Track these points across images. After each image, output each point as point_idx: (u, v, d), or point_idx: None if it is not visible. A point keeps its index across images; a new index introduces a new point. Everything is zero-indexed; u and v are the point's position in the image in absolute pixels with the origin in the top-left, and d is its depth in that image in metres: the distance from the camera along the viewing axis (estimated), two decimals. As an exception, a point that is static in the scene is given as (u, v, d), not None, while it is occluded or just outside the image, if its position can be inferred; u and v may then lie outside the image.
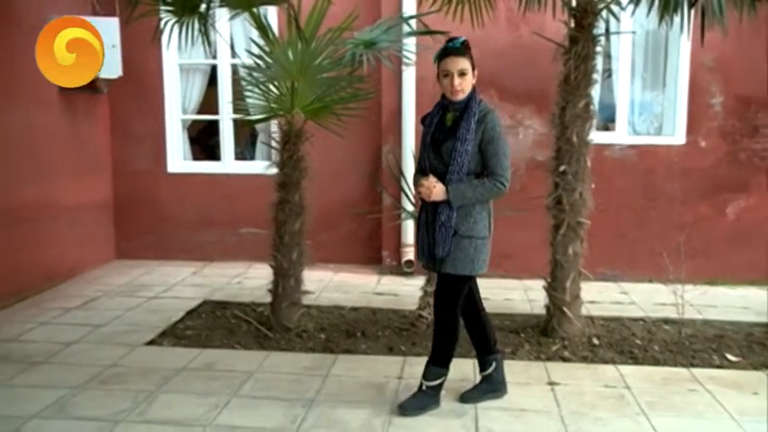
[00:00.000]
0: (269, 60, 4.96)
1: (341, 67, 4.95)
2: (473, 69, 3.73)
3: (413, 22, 5.54)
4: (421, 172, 3.84)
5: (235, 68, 7.32)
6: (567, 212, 4.99)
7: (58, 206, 6.62)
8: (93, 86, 6.99)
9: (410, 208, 5.67)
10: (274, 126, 6.20)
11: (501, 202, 5.50)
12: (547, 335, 5.09)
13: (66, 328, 5.32)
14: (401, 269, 7.05)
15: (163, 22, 5.19)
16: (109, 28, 6.63)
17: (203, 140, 8.70)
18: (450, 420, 3.79)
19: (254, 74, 5.16)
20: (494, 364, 4.07)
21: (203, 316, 5.65)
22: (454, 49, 3.70)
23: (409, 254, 7.01)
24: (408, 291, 6.31)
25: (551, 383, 4.30)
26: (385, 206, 7.01)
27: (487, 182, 3.67)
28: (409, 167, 6.47)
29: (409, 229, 6.92)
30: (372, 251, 7.33)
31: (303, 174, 5.15)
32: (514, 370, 4.48)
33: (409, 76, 6.79)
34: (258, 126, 7.27)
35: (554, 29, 5.26)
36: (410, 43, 5.71)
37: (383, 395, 4.11)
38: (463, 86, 3.68)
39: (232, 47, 7.23)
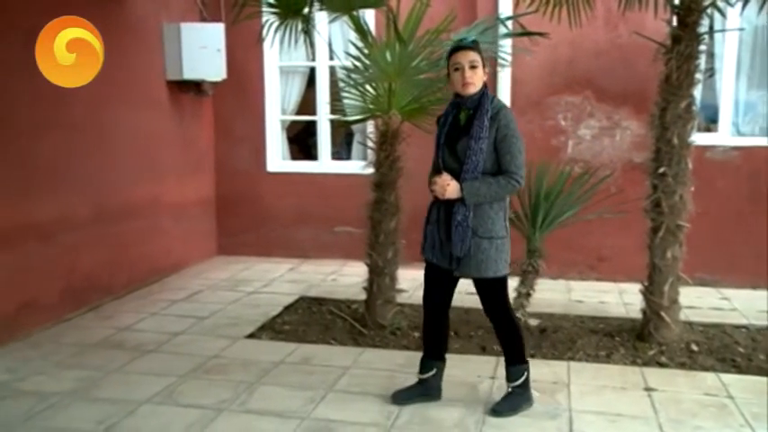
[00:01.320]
0: (367, 62, 5.01)
1: (438, 69, 4.95)
2: (484, 67, 3.67)
3: (509, 23, 5.50)
4: (436, 172, 3.78)
5: (332, 70, 7.43)
6: (666, 215, 4.83)
7: (166, 203, 6.89)
8: (199, 89, 7.25)
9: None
10: (370, 127, 6.27)
11: (597, 204, 5.46)
12: (643, 339, 4.95)
13: (172, 319, 5.54)
14: (493, 269, 6.97)
15: (267, 26, 5.32)
16: (215, 33, 6.90)
17: (301, 140, 8.86)
18: (544, 422, 3.74)
19: (353, 75, 5.22)
20: (434, 371, 4.00)
21: (300, 311, 5.76)
22: (463, 44, 3.68)
23: (502, 254, 6.93)
24: (501, 291, 6.24)
25: (648, 389, 4.17)
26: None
27: (502, 179, 3.59)
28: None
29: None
30: (465, 251, 7.27)
31: (399, 173, 5.18)
32: (609, 374, 4.40)
33: (504, 78, 6.71)
34: (354, 126, 7.35)
35: (654, 28, 5.11)
36: (506, 44, 5.67)
37: (476, 394, 4.09)
38: (474, 79, 3.61)
39: (330, 49, 7.33)
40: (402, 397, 3.98)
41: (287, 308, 5.83)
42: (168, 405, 3.91)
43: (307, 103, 7.84)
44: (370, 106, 5.22)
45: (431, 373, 4.00)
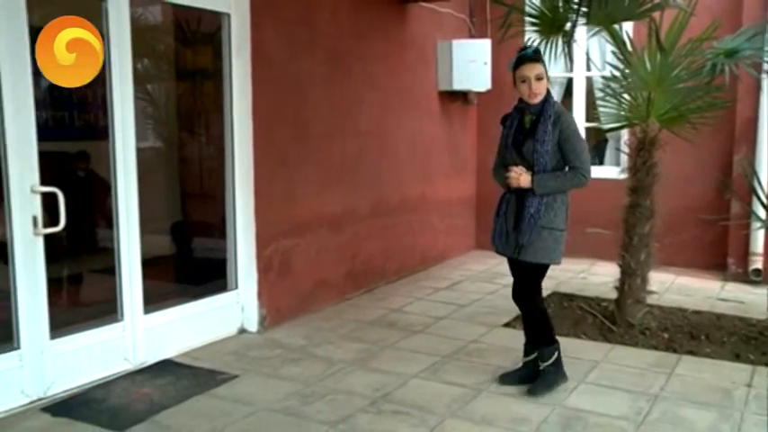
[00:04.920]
0: (627, 72, 4.80)
1: (699, 77, 4.61)
2: (546, 75, 3.73)
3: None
4: (503, 167, 3.88)
5: (588, 81, 7.20)
6: None
7: (434, 201, 7.13)
8: (466, 99, 7.43)
9: (763, 216, 5.08)
10: (624, 134, 6.01)
11: None
12: None
13: (436, 304, 5.72)
14: (748, 277, 6.35)
15: (530, 42, 5.28)
16: (482, 48, 7.02)
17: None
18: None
19: (612, 85, 5.03)
20: (536, 354, 3.95)
21: (552, 306, 5.64)
22: (529, 56, 3.73)
23: (757, 262, 6.31)
24: (755, 299, 5.70)
25: None
26: (733, 213, 6.36)
27: (569, 173, 3.71)
28: (764, 176, 5.80)
29: (759, 238, 6.25)
30: (716, 257, 6.70)
31: (655, 179, 4.90)
32: None
33: (768, 84, 6.06)
34: (609, 134, 7.06)
35: None
36: (773, 50, 5.11)
37: (730, 400, 3.76)
38: (540, 89, 3.70)
39: (588, 61, 7.11)
40: (507, 379, 4.01)
41: (539, 301, 5.76)
42: (433, 381, 4.06)
43: (562, 112, 7.68)
44: (628, 115, 5.00)
45: (532, 357, 3.97)
